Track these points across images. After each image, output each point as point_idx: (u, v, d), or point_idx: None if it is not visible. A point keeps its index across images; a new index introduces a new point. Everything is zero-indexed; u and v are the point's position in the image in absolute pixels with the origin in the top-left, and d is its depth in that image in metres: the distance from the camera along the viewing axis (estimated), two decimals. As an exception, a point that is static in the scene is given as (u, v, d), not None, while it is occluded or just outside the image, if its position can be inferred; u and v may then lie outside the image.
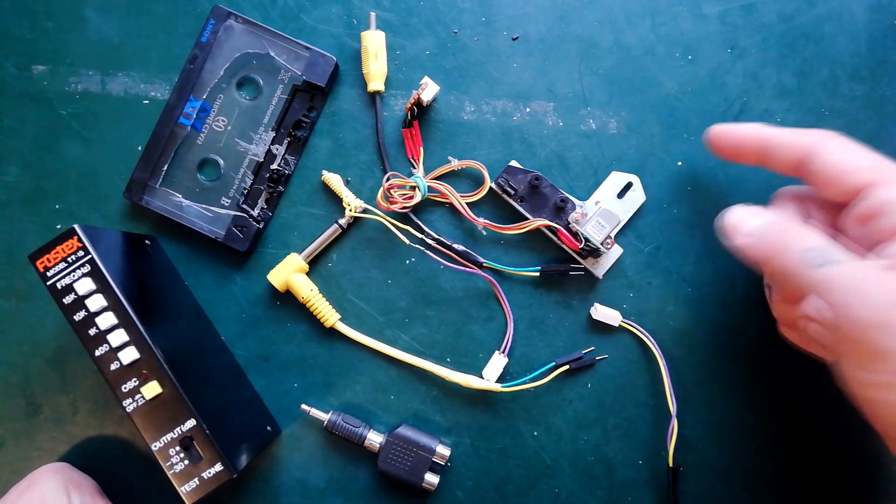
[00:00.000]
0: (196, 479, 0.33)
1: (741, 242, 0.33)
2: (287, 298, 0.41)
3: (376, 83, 0.41)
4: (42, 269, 0.33)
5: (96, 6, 0.42)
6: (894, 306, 0.26)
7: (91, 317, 0.32)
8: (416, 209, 0.41)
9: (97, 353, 0.33)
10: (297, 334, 0.41)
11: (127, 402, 0.33)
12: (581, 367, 0.40)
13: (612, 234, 0.38)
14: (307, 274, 0.41)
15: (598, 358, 0.40)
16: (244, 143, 0.41)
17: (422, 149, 0.41)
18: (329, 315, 0.40)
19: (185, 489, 0.32)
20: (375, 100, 0.41)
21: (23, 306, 0.41)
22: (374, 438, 0.39)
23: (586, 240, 0.38)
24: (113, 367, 0.33)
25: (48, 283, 0.33)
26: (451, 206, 0.41)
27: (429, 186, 0.40)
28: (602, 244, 0.38)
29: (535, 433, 0.41)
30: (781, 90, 0.41)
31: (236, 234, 0.40)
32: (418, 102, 0.39)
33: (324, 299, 0.40)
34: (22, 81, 0.42)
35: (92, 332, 0.32)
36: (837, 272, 0.28)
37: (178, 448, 0.33)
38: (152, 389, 0.33)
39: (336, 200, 0.41)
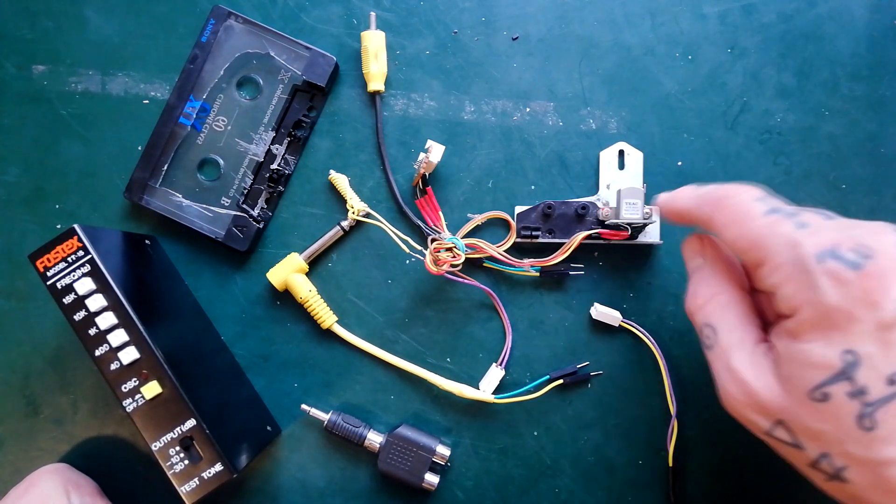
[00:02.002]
0: (196, 479, 0.33)
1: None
2: (287, 298, 0.41)
3: (376, 83, 0.41)
4: (42, 269, 0.33)
5: (96, 6, 0.42)
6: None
7: (91, 317, 0.32)
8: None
9: (97, 353, 0.33)
10: (297, 334, 0.41)
11: (127, 402, 0.33)
12: (576, 382, 0.40)
13: (644, 202, 0.38)
14: (307, 274, 0.41)
15: (592, 374, 0.40)
16: (244, 143, 0.41)
17: (441, 213, 0.40)
18: (326, 317, 0.40)
19: (185, 489, 0.32)
20: (375, 100, 0.41)
21: (23, 306, 0.41)
22: (374, 438, 0.39)
23: (629, 225, 0.38)
24: (113, 367, 0.33)
25: (48, 283, 0.33)
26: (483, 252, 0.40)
27: (465, 245, 0.39)
28: (645, 218, 0.37)
29: (535, 433, 0.41)
30: (781, 90, 0.41)
31: (236, 234, 0.40)
32: (427, 169, 0.39)
33: (321, 301, 0.40)
34: (22, 81, 0.42)
35: (92, 332, 0.32)
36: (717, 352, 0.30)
37: (178, 448, 0.33)
38: (152, 389, 0.33)
39: (336, 200, 0.41)
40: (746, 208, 0.29)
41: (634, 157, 0.41)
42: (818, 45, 0.41)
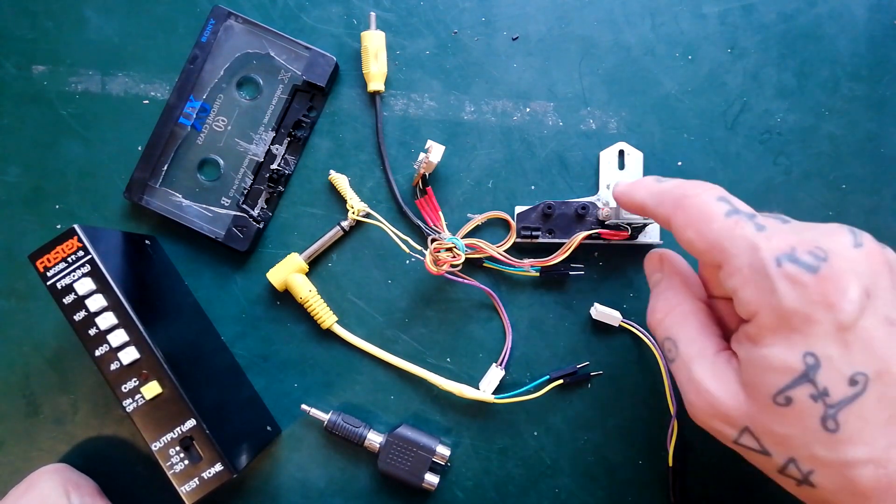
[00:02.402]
0: (196, 479, 0.33)
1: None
2: (287, 298, 0.41)
3: (376, 83, 0.41)
4: (42, 269, 0.33)
5: (96, 6, 0.42)
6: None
7: (91, 317, 0.32)
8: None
9: (97, 353, 0.33)
10: (297, 334, 0.41)
11: (127, 402, 0.33)
12: (576, 382, 0.40)
13: None
14: (307, 274, 0.41)
15: (592, 374, 0.40)
16: (244, 143, 0.41)
17: (441, 213, 0.40)
18: (326, 317, 0.40)
19: (185, 489, 0.33)
20: (375, 100, 0.41)
21: (23, 306, 0.41)
22: (374, 438, 0.39)
23: (629, 225, 0.38)
24: (113, 367, 0.33)
25: (48, 283, 0.33)
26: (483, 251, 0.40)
27: (465, 245, 0.39)
28: (645, 218, 0.37)
29: (535, 433, 0.41)
30: (781, 90, 0.41)
31: (236, 234, 0.40)
32: (427, 169, 0.39)
33: (322, 301, 0.40)
34: (22, 81, 0.42)
35: (92, 332, 0.32)
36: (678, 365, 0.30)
37: (178, 448, 0.33)
38: (152, 389, 0.33)
39: (336, 201, 0.41)
40: (707, 209, 0.28)
41: (634, 157, 0.41)
42: (818, 45, 0.41)
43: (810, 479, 0.26)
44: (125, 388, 0.33)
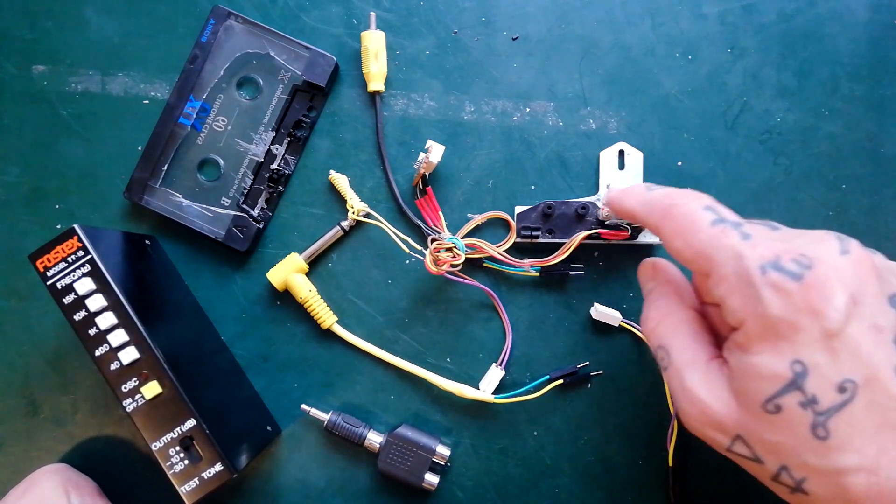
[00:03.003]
0: (196, 479, 0.33)
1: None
2: (287, 298, 0.41)
3: (376, 83, 0.41)
4: (42, 269, 0.33)
5: (96, 6, 0.42)
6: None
7: (91, 317, 0.32)
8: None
9: (97, 353, 0.33)
10: (297, 334, 0.41)
11: (127, 402, 0.33)
12: (576, 382, 0.40)
13: None
14: (307, 274, 0.41)
15: (592, 374, 0.40)
16: (244, 143, 0.41)
17: (441, 213, 0.40)
18: (326, 317, 0.40)
19: (185, 489, 0.33)
20: (375, 100, 0.41)
21: (23, 306, 0.41)
22: (374, 438, 0.39)
23: (629, 225, 0.38)
24: (113, 367, 0.33)
25: (48, 283, 0.33)
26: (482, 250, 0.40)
27: (465, 245, 0.39)
28: None
29: (535, 433, 0.41)
30: (781, 90, 0.41)
31: (236, 234, 0.40)
32: (427, 169, 0.39)
33: (322, 301, 0.40)
34: (22, 81, 0.42)
35: (92, 332, 0.32)
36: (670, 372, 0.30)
37: (178, 448, 0.33)
38: (152, 389, 0.33)
39: (336, 200, 0.41)
40: (693, 218, 0.28)
41: (634, 157, 0.41)
42: (818, 45, 0.41)
43: (803, 486, 0.26)
44: (125, 388, 0.33)
